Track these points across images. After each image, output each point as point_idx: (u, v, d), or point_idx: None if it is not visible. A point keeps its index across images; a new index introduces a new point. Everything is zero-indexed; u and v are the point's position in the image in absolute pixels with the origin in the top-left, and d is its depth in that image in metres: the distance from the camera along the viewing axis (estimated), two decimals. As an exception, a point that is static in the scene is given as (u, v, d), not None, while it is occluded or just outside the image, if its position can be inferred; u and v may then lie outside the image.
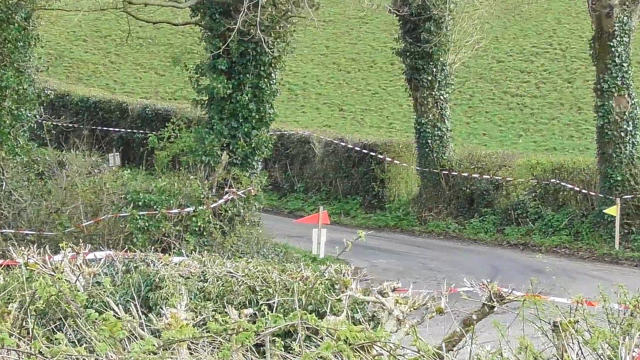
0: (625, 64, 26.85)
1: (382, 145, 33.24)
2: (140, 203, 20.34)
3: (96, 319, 6.74)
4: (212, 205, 20.97)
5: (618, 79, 26.77)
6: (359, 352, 6.90)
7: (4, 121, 22.64)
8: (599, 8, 26.66)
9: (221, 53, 22.56)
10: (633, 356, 6.51)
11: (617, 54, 26.73)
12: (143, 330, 7.50)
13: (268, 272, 10.11)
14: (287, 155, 36.01)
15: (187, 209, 20.65)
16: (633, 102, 26.98)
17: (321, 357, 6.31)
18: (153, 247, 18.20)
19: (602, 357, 6.79)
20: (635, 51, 40.53)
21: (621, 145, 26.72)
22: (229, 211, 21.53)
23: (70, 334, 8.01)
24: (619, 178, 26.61)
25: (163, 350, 6.61)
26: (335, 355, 6.52)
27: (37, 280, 7.82)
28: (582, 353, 6.97)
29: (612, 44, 26.67)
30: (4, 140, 22.55)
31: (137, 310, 7.95)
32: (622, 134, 26.72)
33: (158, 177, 22.07)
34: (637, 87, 34.74)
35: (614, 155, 26.69)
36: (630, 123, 26.81)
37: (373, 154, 32.96)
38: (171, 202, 20.65)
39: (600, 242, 26.85)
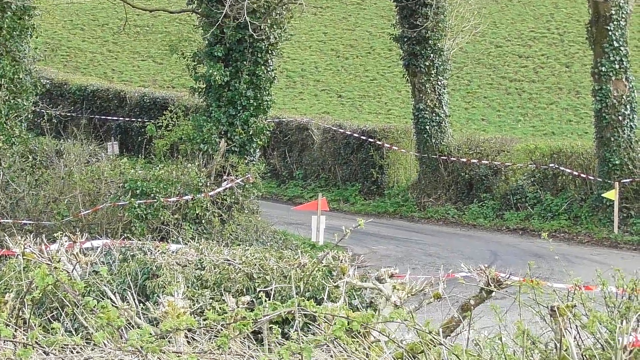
0: (622, 48, 26.79)
1: (381, 131, 33.19)
2: (138, 191, 20.29)
3: (94, 306, 6.73)
4: (210, 193, 20.94)
5: (615, 62, 26.71)
6: (357, 338, 6.88)
7: (0, 111, 22.59)
8: (596, -8, 26.60)
9: (218, 40, 22.51)
10: (630, 340, 6.51)
11: (614, 38, 26.66)
12: (140, 318, 7.48)
13: (265, 260, 10.09)
14: (285, 142, 35.98)
15: (186, 197, 20.61)
16: (631, 85, 26.92)
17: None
18: (151, 236, 18.22)
19: (599, 340, 6.79)
20: (633, 35, 40.51)
21: (619, 129, 26.68)
22: (228, 199, 21.50)
23: (67, 324, 8.00)
24: (617, 162, 26.57)
25: (160, 338, 6.59)
26: (332, 342, 6.51)
27: (33, 269, 7.81)
28: (580, 337, 6.97)
29: (609, 27, 26.60)
30: (0, 130, 22.50)
31: (134, 299, 7.94)
32: (620, 117, 26.67)
33: (156, 166, 22.02)
34: (635, 70, 34.76)
35: (612, 139, 26.65)
36: (627, 107, 26.75)
37: (371, 140, 32.92)
38: (169, 190, 20.60)
39: (599, 226, 26.83)
